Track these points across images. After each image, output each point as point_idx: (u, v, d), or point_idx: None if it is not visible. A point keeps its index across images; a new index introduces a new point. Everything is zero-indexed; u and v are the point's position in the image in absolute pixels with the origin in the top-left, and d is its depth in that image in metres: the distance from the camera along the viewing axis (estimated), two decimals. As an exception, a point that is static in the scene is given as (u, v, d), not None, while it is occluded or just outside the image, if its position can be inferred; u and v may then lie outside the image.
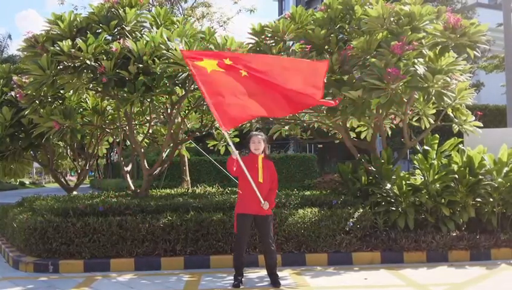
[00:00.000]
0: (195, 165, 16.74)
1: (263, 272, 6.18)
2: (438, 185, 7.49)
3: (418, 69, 6.95)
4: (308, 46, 7.94)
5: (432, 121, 8.64)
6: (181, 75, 7.26)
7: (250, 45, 8.41)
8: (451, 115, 8.46)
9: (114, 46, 7.47)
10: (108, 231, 6.86)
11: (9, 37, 49.65)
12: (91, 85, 8.12)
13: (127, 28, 8.01)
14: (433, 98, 7.21)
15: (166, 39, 7.39)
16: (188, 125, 9.80)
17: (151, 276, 6.45)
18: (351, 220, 7.10)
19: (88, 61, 7.37)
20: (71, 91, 8.31)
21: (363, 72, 7.14)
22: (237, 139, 10.09)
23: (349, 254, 6.98)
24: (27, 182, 37.27)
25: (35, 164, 11.28)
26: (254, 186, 5.72)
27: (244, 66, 5.93)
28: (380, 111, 7.99)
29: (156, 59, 7.42)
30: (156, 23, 8.41)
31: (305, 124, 10.08)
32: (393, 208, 7.46)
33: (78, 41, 7.37)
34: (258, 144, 5.94)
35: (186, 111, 9.09)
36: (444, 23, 7.35)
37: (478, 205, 7.57)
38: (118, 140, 10.04)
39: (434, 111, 8.60)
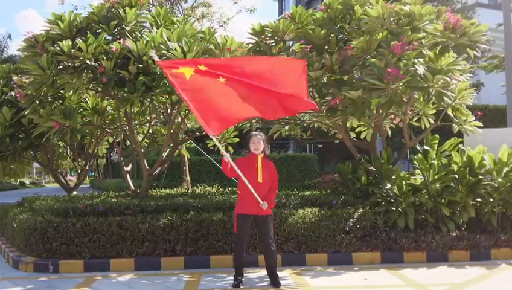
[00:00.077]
0: (195, 165, 16.74)
1: (263, 272, 6.18)
2: (438, 185, 7.49)
3: (418, 69, 6.95)
4: (308, 46, 7.94)
5: (432, 121, 8.64)
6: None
7: (250, 45, 8.41)
8: (451, 115, 8.46)
9: (114, 46, 7.47)
10: (108, 231, 6.86)
11: (9, 37, 49.70)
12: (91, 85, 8.13)
13: (127, 28, 8.01)
14: (433, 98, 7.21)
15: (166, 39, 7.40)
16: (188, 125, 9.80)
17: (151, 276, 6.45)
18: (351, 220, 7.10)
19: (88, 61, 7.38)
20: (71, 91, 8.32)
21: (363, 72, 7.14)
22: (237, 139, 10.10)
23: (349, 254, 6.98)
24: (27, 182, 37.27)
25: (35, 164, 11.28)
26: (250, 187, 5.73)
27: (221, 70, 5.87)
28: (380, 111, 7.99)
29: (156, 59, 7.42)
30: (156, 23, 8.41)
31: (305, 124, 10.08)
32: (393, 208, 7.46)
33: (78, 41, 7.37)
34: (258, 144, 5.93)
35: (186, 111, 9.10)
36: (444, 23, 7.35)
37: (478, 205, 7.57)
38: (118, 140, 10.04)
39: (434, 111, 8.61)
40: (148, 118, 9.28)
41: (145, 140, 10.21)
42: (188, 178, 12.60)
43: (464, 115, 8.46)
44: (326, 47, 8.07)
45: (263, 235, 5.92)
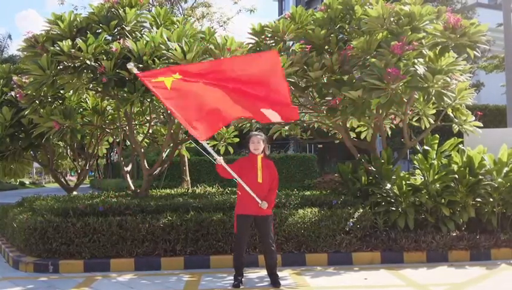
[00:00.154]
0: (195, 165, 16.73)
1: (263, 272, 6.18)
2: (438, 185, 7.49)
3: (418, 69, 6.95)
4: (308, 46, 7.94)
5: (432, 121, 8.65)
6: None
7: (250, 45, 8.41)
8: (451, 115, 8.46)
9: (114, 46, 7.47)
10: (108, 231, 6.86)
11: (9, 37, 49.66)
12: (91, 85, 8.12)
13: (127, 28, 8.01)
14: (433, 98, 7.21)
15: (166, 39, 7.40)
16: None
17: (151, 276, 6.45)
18: (351, 220, 7.10)
19: (88, 61, 7.38)
20: (71, 91, 8.32)
21: (363, 72, 7.14)
22: (237, 139, 10.09)
23: (349, 254, 6.97)
24: (27, 182, 37.27)
25: (35, 164, 11.28)
26: (248, 189, 5.74)
27: (196, 78, 5.80)
28: (380, 111, 7.99)
29: (156, 59, 7.42)
30: (156, 23, 8.41)
31: (305, 124, 10.08)
32: (393, 208, 7.46)
33: (78, 41, 7.37)
34: (258, 144, 5.93)
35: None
36: (444, 23, 7.35)
37: (478, 205, 7.57)
38: (118, 140, 10.04)
39: (434, 111, 8.61)
40: (148, 118, 9.27)
41: (145, 140, 10.21)
42: (188, 178, 12.60)
43: (464, 115, 8.47)
44: (326, 47, 8.08)
45: (263, 236, 5.92)
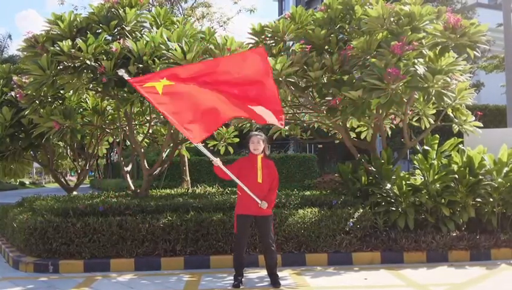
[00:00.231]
0: (195, 165, 16.73)
1: (263, 272, 6.18)
2: (438, 185, 7.49)
3: (418, 69, 6.95)
4: (308, 46, 7.94)
5: (432, 121, 8.65)
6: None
7: (250, 45, 8.41)
8: (451, 115, 8.46)
9: (114, 46, 7.47)
10: (108, 231, 6.86)
11: (9, 37, 49.71)
12: (91, 85, 8.12)
13: (127, 28, 8.01)
14: (433, 98, 7.20)
15: (166, 39, 7.40)
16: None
17: (151, 276, 6.45)
18: (351, 220, 7.10)
19: (88, 62, 7.38)
20: (71, 91, 8.32)
21: (363, 72, 7.14)
22: (237, 139, 10.09)
23: (349, 254, 6.98)
24: (27, 182, 37.28)
25: (35, 164, 11.28)
26: (246, 189, 5.74)
27: (188, 80, 5.77)
28: (380, 111, 7.99)
29: (156, 59, 7.42)
30: (156, 23, 8.41)
31: (305, 124, 10.09)
32: (393, 208, 7.46)
33: (78, 41, 7.37)
34: (257, 144, 5.92)
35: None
36: (444, 23, 7.35)
37: (478, 205, 7.57)
38: (118, 140, 10.04)
39: (434, 111, 8.61)
40: (148, 118, 9.27)
41: (145, 140, 10.21)
42: (188, 178, 12.59)
43: (464, 115, 8.47)
44: (326, 47, 8.07)
45: (263, 236, 5.91)
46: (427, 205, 7.42)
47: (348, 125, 9.21)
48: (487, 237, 7.19)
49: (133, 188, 8.99)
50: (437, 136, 8.34)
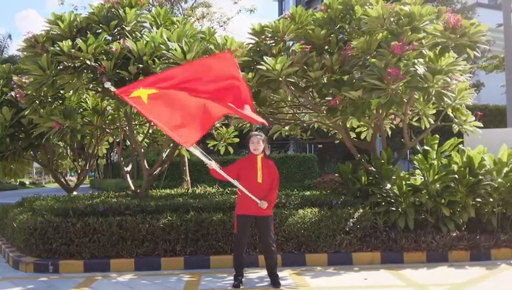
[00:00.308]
0: (195, 165, 16.70)
1: (263, 272, 6.18)
2: (438, 185, 7.49)
3: (418, 69, 6.95)
4: (308, 46, 7.93)
5: (432, 121, 8.65)
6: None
7: (250, 45, 8.41)
8: (451, 115, 8.46)
9: (114, 46, 7.47)
10: (108, 231, 6.86)
11: (9, 37, 49.65)
12: (91, 85, 8.12)
13: (127, 28, 8.01)
14: (433, 98, 7.20)
15: (166, 39, 7.40)
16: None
17: (151, 276, 6.45)
18: (351, 220, 7.10)
19: (88, 62, 7.38)
20: (71, 91, 8.32)
21: (363, 72, 7.14)
22: (237, 139, 10.09)
23: (349, 254, 6.98)
24: (27, 182, 37.27)
25: (35, 164, 11.28)
26: (244, 189, 5.74)
27: (171, 87, 5.74)
28: (380, 111, 7.99)
29: (156, 59, 7.42)
30: (156, 23, 8.41)
31: (305, 124, 10.08)
32: (393, 208, 7.46)
33: (78, 41, 7.37)
34: (257, 144, 5.92)
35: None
36: (444, 23, 7.35)
37: (478, 205, 7.57)
38: (118, 140, 10.04)
39: (434, 111, 8.61)
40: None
41: (145, 140, 10.21)
42: (188, 178, 12.59)
43: (464, 115, 8.47)
44: (326, 47, 8.07)
45: (263, 236, 5.91)
46: (427, 205, 7.42)
47: (348, 125, 9.21)
48: (487, 237, 7.19)
49: (133, 188, 8.99)
50: (437, 136, 8.34)
